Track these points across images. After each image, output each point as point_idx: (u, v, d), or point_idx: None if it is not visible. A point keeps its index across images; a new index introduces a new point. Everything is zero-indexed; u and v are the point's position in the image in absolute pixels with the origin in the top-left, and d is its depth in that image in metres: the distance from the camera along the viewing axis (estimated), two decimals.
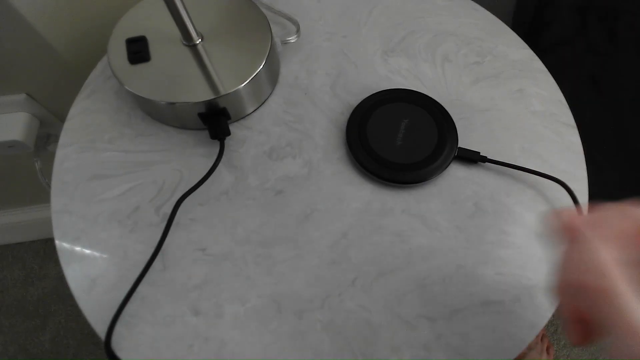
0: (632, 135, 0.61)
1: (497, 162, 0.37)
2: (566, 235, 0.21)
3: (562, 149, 0.38)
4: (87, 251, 0.34)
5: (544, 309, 0.32)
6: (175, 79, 0.37)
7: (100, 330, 0.31)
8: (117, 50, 0.39)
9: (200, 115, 0.37)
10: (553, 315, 0.32)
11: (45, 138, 0.61)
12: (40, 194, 0.84)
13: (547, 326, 0.90)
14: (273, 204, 0.36)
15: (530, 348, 0.87)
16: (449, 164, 0.36)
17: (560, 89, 0.41)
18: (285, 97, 0.41)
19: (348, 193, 0.36)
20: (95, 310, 0.32)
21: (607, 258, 0.19)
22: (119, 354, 0.30)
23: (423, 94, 0.39)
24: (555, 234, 0.22)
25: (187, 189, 0.35)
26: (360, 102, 0.39)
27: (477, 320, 0.32)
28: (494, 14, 0.46)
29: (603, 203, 0.21)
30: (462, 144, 0.38)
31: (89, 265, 0.34)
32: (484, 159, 0.37)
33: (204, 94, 0.36)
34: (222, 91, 0.36)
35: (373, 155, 0.36)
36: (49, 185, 0.38)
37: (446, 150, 0.36)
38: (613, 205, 0.21)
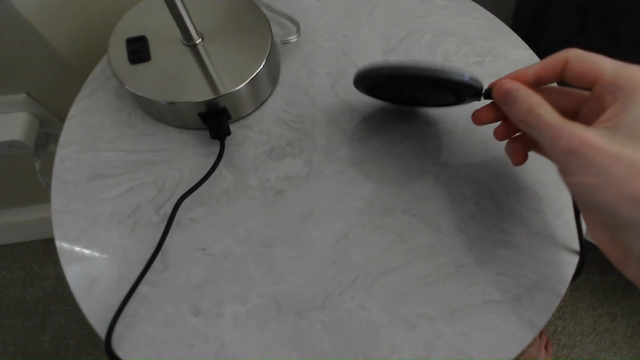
0: None
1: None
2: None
3: None
4: (87, 251, 0.34)
5: (544, 309, 0.32)
6: (176, 79, 0.37)
7: (100, 330, 0.31)
8: (118, 50, 0.39)
9: (201, 115, 0.37)
10: (553, 315, 0.32)
11: (45, 138, 0.61)
12: (40, 194, 0.84)
13: (546, 326, 0.90)
14: (273, 204, 0.36)
15: (529, 345, 0.87)
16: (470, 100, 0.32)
17: None
18: (285, 97, 0.41)
19: (348, 193, 0.36)
20: (95, 310, 0.32)
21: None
22: (119, 354, 0.30)
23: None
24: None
25: (187, 189, 0.35)
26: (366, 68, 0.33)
27: (477, 320, 0.32)
28: (494, 14, 0.46)
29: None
30: (462, 143, 0.38)
31: (89, 265, 0.34)
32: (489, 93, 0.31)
33: (204, 94, 0.36)
34: (223, 91, 0.36)
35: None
36: (49, 185, 0.38)
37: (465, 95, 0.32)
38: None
